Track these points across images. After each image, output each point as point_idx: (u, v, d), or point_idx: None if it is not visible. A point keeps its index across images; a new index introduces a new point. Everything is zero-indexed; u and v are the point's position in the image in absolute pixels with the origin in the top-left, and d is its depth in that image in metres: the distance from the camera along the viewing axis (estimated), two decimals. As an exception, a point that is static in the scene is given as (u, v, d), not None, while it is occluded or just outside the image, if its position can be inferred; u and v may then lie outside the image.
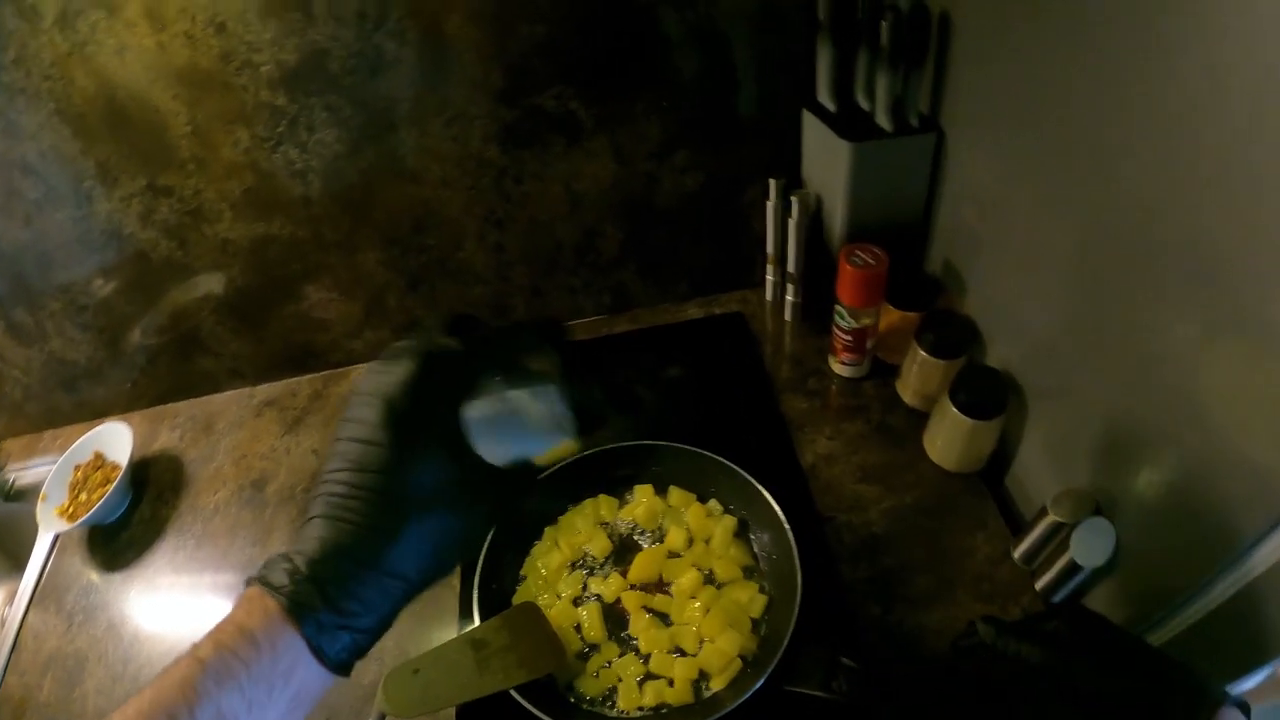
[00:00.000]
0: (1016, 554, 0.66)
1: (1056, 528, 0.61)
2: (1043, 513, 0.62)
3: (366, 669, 0.70)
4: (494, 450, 0.37)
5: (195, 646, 0.32)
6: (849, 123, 0.72)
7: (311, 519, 0.34)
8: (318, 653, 0.33)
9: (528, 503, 0.69)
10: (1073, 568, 0.59)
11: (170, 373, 0.96)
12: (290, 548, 0.34)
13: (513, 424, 0.38)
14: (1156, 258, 0.47)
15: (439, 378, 0.36)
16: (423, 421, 0.35)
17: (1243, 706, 0.43)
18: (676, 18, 0.70)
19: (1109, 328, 0.54)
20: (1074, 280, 0.57)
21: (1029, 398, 0.66)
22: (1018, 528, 0.67)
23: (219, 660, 0.31)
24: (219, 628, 0.33)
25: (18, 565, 1.01)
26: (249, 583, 0.34)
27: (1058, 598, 0.63)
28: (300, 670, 0.33)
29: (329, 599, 0.33)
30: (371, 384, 0.36)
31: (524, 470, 0.41)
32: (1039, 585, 0.64)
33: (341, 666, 0.34)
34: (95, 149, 0.76)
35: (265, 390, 0.98)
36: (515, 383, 0.38)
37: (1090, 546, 0.58)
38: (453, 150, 0.76)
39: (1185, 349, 0.46)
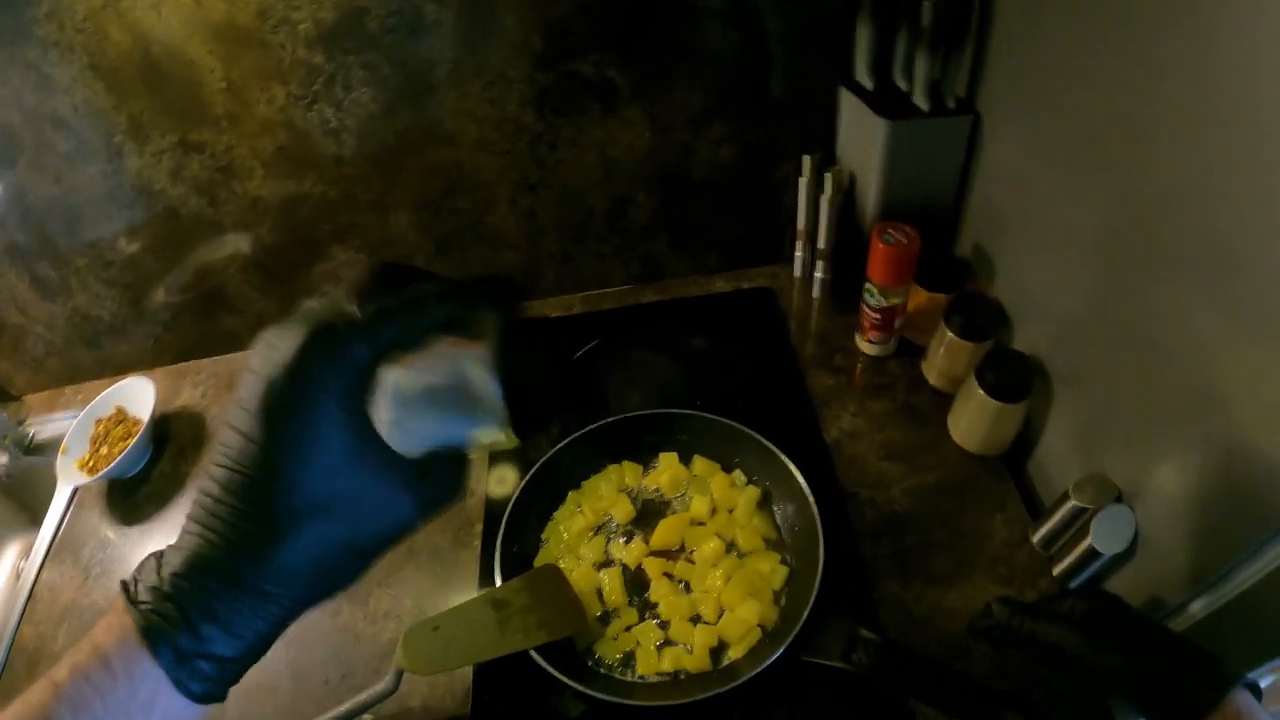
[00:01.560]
0: (1035, 538, 0.66)
1: (1077, 513, 0.61)
2: (1064, 497, 0.62)
3: (384, 627, 0.71)
4: (407, 439, 0.30)
5: (54, 669, 0.29)
6: (886, 101, 0.71)
7: (186, 520, 0.29)
8: (178, 684, 0.28)
9: (554, 463, 0.69)
10: (1091, 554, 0.59)
11: (194, 330, 0.96)
12: (166, 549, 0.30)
13: (434, 409, 0.30)
14: (1183, 247, 0.47)
15: (332, 354, 0.28)
16: (308, 412, 0.28)
17: (1253, 688, 0.43)
18: (718, -10, 0.70)
19: (1135, 315, 0.54)
20: (1102, 267, 0.57)
21: (1054, 383, 0.66)
22: (1037, 513, 0.68)
23: (74, 688, 0.28)
24: (78, 647, 0.29)
25: (35, 518, 1.01)
26: (122, 582, 0.30)
27: (1075, 583, 0.63)
28: (163, 700, 0.28)
29: (189, 622, 0.28)
30: (257, 361, 0.29)
31: (450, 467, 0.33)
32: (1056, 570, 0.64)
33: (207, 698, 0.29)
34: (128, 104, 0.76)
35: (288, 350, 0.99)
36: (438, 358, 0.30)
37: (1110, 533, 0.58)
38: (489, 114, 0.76)
39: (1209, 339, 0.46)
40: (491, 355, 0.30)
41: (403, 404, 0.30)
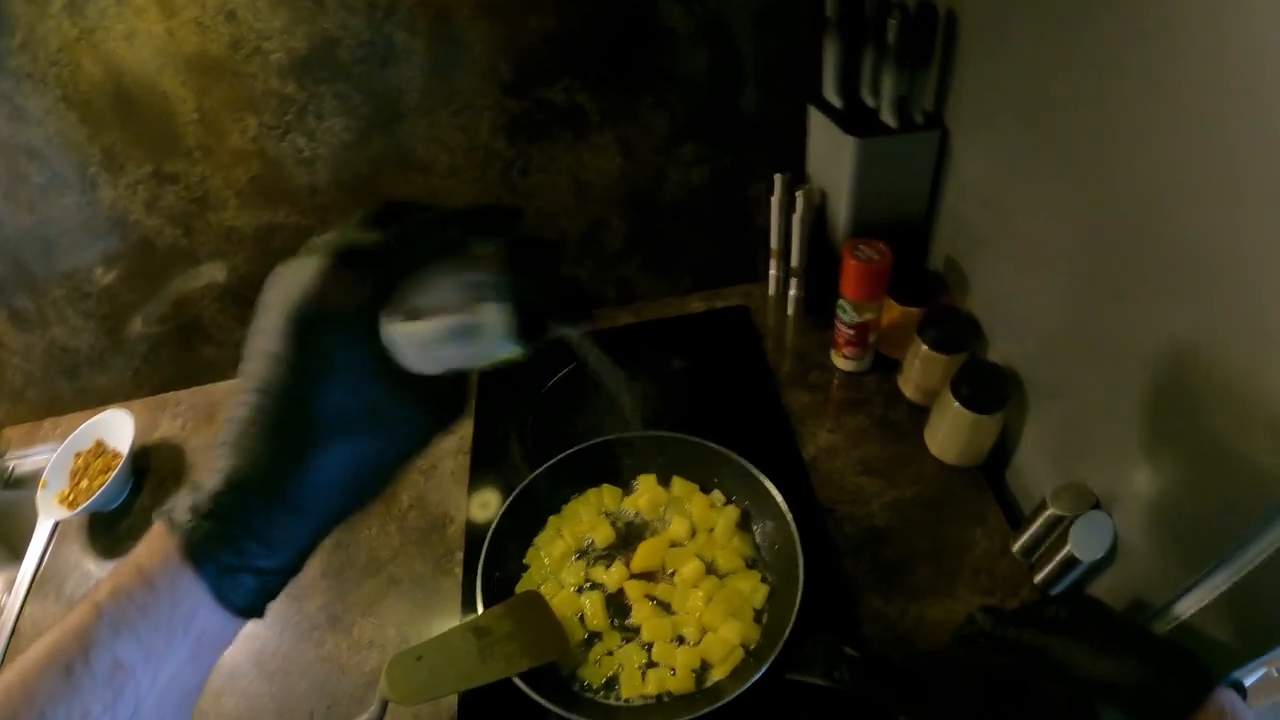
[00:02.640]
0: (1016, 548, 0.67)
1: (1056, 521, 0.62)
2: (1042, 506, 0.62)
3: (368, 656, 0.70)
4: (423, 360, 0.32)
5: (95, 589, 0.30)
6: (854, 119, 0.72)
7: (219, 445, 0.30)
8: (221, 597, 0.30)
9: (533, 489, 0.69)
10: (1071, 561, 0.60)
11: (172, 361, 0.96)
12: (198, 480, 0.31)
13: (444, 330, 0.31)
14: (1155, 259, 0.48)
15: (354, 278, 0.30)
16: (332, 331, 0.30)
17: (1237, 687, 0.44)
18: (683, 12, 0.71)
19: (1108, 326, 0.54)
20: (1074, 278, 0.57)
21: (1029, 393, 0.67)
22: (1017, 522, 0.68)
23: (115, 607, 0.29)
24: (119, 569, 0.30)
25: (16, 553, 1.00)
26: (156, 515, 0.31)
27: (1056, 591, 0.64)
28: (202, 615, 0.29)
29: (230, 538, 0.29)
30: (275, 289, 0.30)
31: (455, 383, 0.35)
32: (1037, 579, 0.64)
33: (249, 610, 0.31)
34: (101, 135, 0.76)
35: (268, 379, 0.98)
36: (448, 281, 0.32)
37: (1089, 540, 0.59)
38: (461, 141, 0.76)
39: (1181, 348, 0.47)
40: (497, 276, 0.31)
41: (415, 328, 0.31)
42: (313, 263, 0.30)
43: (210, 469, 0.30)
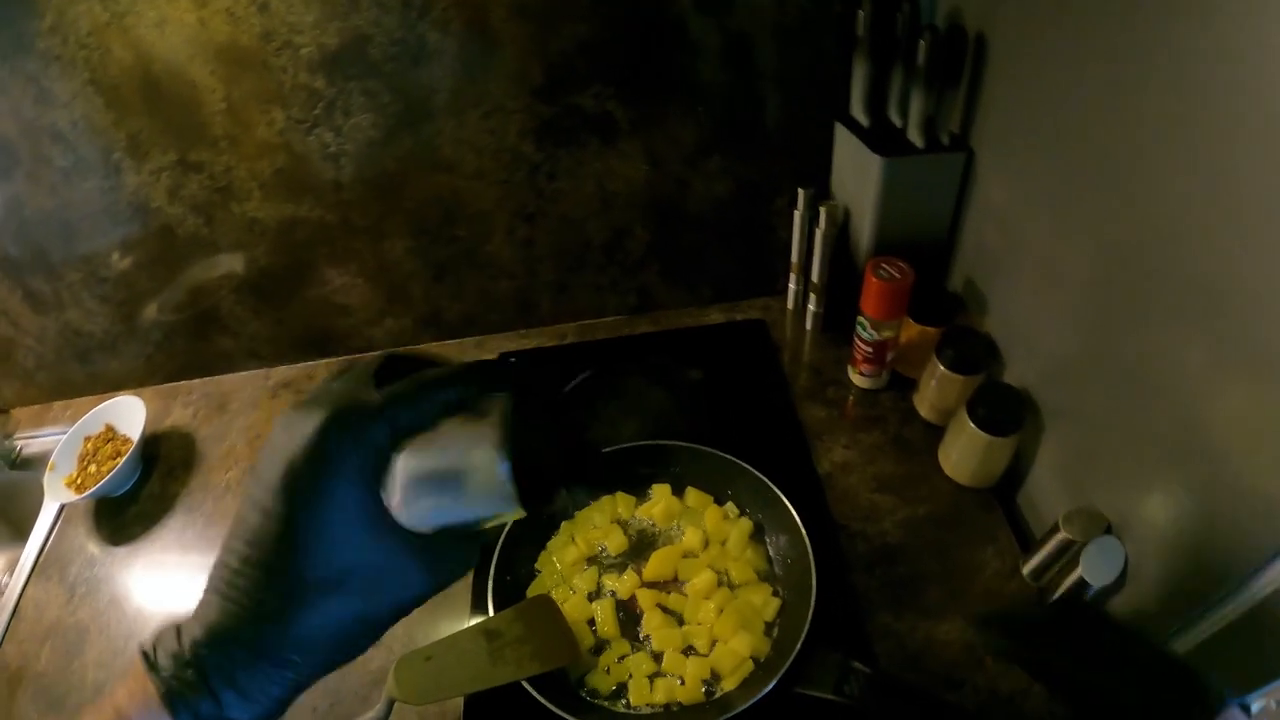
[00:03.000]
0: (1026, 570, 0.67)
1: (1067, 545, 0.62)
2: (1054, 529, 0.62)
3: (373, 654, 0.68)
4: (418, 516, 0.31)
5: None
6: (881, 138, 0.72)
7: (205, 591, 0.30)
8: None
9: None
10: (1081, 584, 0.60)
11: (186, 350, 0.96)
12: (184, 619, 0.31)
13: (444, 488, 0.31)
14: (1171, 287, 0.48)
15: (353, 435, 0.30)
16: (328, 492, 0.30)
17: (1244, 709, 0.44)
18: (714, 25, 0.71)
19: (1123, 352, 0.55)
20: (1091, 304, 0.58)
21: (1044, 416, 0.67)
22: (1027, 544, 0.68)
23: None
24: (98, 709, 0.30)
25: (19, 534, 1.00)
26: (141, 651, 0.31)
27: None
28: None
29: (209, 688, 0.29)
30: (276, 440, 0.30)
31: (463, 542, 0.34)
32: (1047, 602, 0.65)
33: None
34: (128, 121, 0.76)
35: (282, 372, 0.98)
36: (451, 438, 0.31)
37: (1100, 565, 0.59)
38: (489, 143, 0.76)
39: (1196, 377, 0.47)
40: (499, 434, 0.31)
41: (412, 484, 0.31)
42: (313, 420, 0.30)
43: (195, 616, 0.30)
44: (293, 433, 0.30)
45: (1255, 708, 0.55)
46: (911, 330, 0.77)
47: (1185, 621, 0.52)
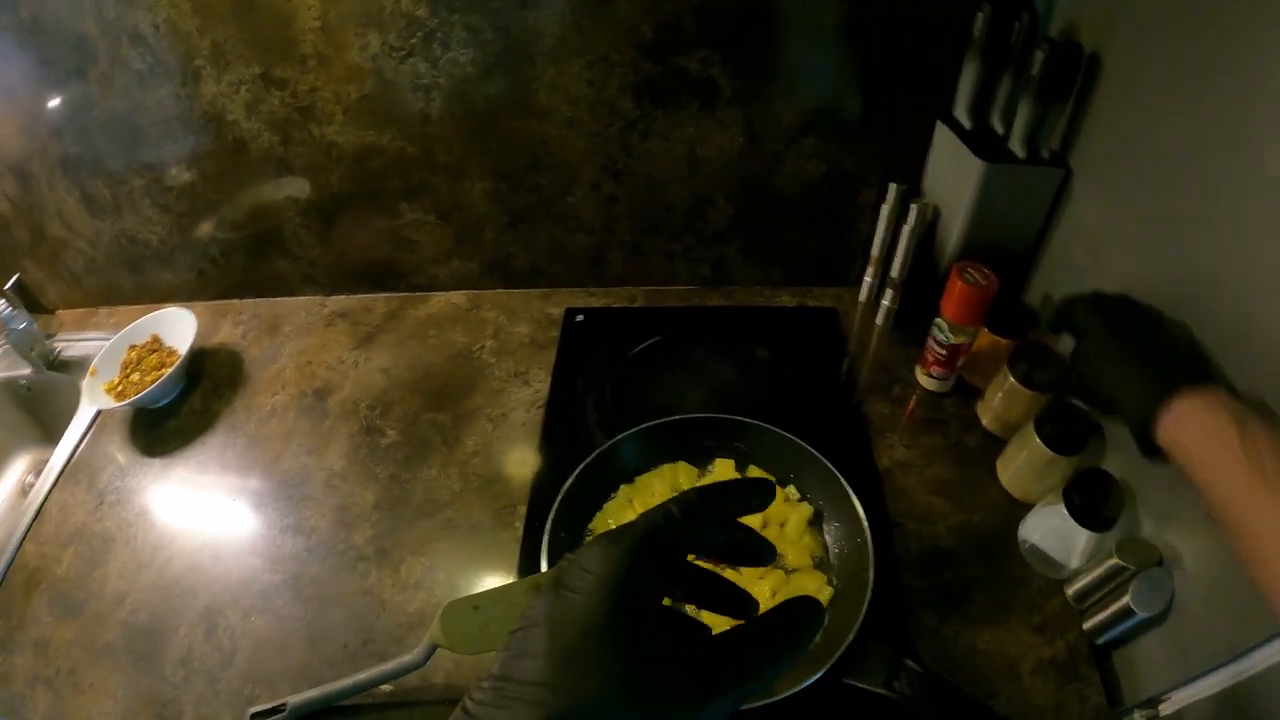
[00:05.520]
0: (1070, 592, 0.67)
1: (1117, 571, 0.62)
2: (1106, 554, 0.62)
3: (412, 597, 0.69)
4: None
5: None
6: (983, 142, 0.72)
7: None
8: None
9: (610, 455, 0.68)
10: (1126, 612, 0.60)
11: (243, 268, 0.94)
12: None
13: None
14: (1251, 333, 0.47)
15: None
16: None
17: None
18: (831, 7, 0.70)
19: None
20: None
21: (1109, 446, 0.67)
22: (1074, 566, 0.68)
23: None
24: None
25: (49, 436, 0.99)
26: None
27: (1104, 639, 0.64)
28: None
29: None
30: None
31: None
32: (1087, 625, 0.65)
33: None
34: (214, 28, 0.74)
35: (338, 301, 0.97)
36: None
37: (1148, 595, 0.59)
38: (586, 94, 0.75)
39: None
40: None
41: None
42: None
43: None
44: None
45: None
46: (983, 339, 0.76)
47: (1221, 662, 0.52)
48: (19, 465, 1.02)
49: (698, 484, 0.69)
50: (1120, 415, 0.50)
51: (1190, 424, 0.44)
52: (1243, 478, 0.40)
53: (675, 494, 0.33)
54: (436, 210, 0.86)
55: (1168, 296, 0.56)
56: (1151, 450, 0.48)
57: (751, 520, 0.67)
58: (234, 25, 0.74)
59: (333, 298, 0.98)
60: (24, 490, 1.00)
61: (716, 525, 0.31)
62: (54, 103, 0.81)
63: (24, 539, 0.79)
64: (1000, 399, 0.74)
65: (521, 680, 0.24)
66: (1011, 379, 0.71)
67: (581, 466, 0.66)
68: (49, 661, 0.68)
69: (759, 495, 0.32)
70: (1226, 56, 0.50)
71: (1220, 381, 0.47)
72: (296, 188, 0.86)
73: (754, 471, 0.69)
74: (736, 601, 0.32)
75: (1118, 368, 0.50)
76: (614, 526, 0.68)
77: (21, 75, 0.79)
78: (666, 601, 0.29)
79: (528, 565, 0.67)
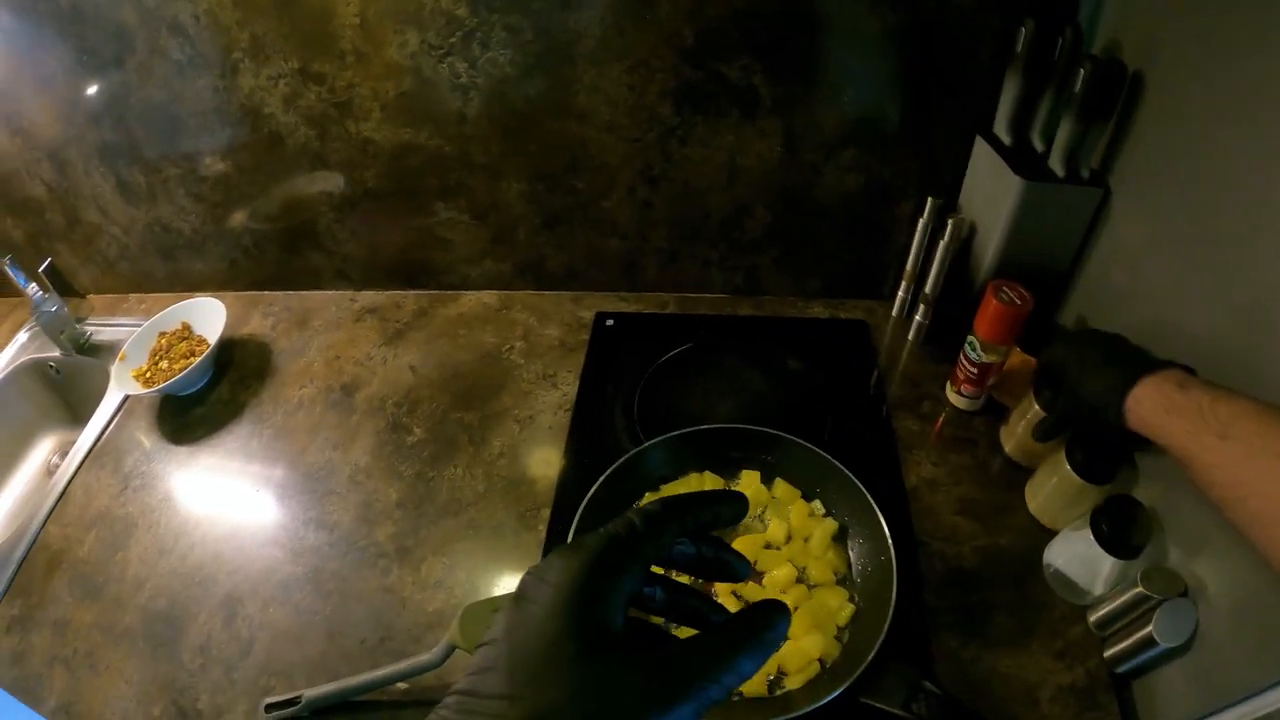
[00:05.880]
0: (1092, 619, 0.66)
1: (1141, 600, 0.61)
2: (1130, 583, 0.62)
3: (432, 596, 0.69)
4: None
5: None
6: (1022, 159, 0.71)
7: None
8: None
9: (636, 462, 0.68)
10: (1149, 642, 0.59)
11: (275, 260, 0.95)
12: None
13: None
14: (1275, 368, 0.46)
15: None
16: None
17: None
18: (874, 17, 0.69)
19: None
20: (1205, 364, 0.56)
21: (1140, 475, 0.66)
22: (1098, 594, 0.67)
23: None
24: None
25: (76, 419, 1.00)
26: None
27: (1124, 668, 0.63)
28: None
29: None
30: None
31: None
32: (1108, 653, 0.64)
33: None
34: (254, 21, 0.75)
35: (369, 297, 0.97)
36: None
37: (1171, 625, 0.58)
38: (626, 98, 0.75)
39: None
40: None
41: None
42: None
43: None
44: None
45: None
46: (1014, 359, 0.75)
47: (1241, 698, 0.51)
48: (45, 446, 1.04)
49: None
50: (1102, 414, 0.55)
51: (1148, 400, 0.51)
52: (1192, 430, 0.47)
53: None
54: (472, 210, 0.86)
55: (1206, 327, 0.56)
56: (1129, 436, 0.54)
57: (777, 534, 0.67)
58: (274, 19, 0.74)
59: (363, 293, 0.98)
60: (49, 471, 1.01)
61: (682, 537, 0.29)
62: (92, 90, 0.82)
63: (47, 519, 0.80)
64: (1024, 425, 0.73)
65: (484, 694, 0.25)
66: (1037, 405, 0.71)
67: (608, 472, 0.66)
68: (67, 642, 0.69)
69: (728, 508, 0.31)
70: (1275, 75, 0.48)
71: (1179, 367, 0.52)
72: (331, 183, 0.86)
73: (780, 486, 0.69)
74: (711, 615, 0.32)
75: (1093, 376, 0.57)
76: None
77: (60, 63, 0.80)
78: (633, 612, 0.29)
79: (549, 569, 0.67)
